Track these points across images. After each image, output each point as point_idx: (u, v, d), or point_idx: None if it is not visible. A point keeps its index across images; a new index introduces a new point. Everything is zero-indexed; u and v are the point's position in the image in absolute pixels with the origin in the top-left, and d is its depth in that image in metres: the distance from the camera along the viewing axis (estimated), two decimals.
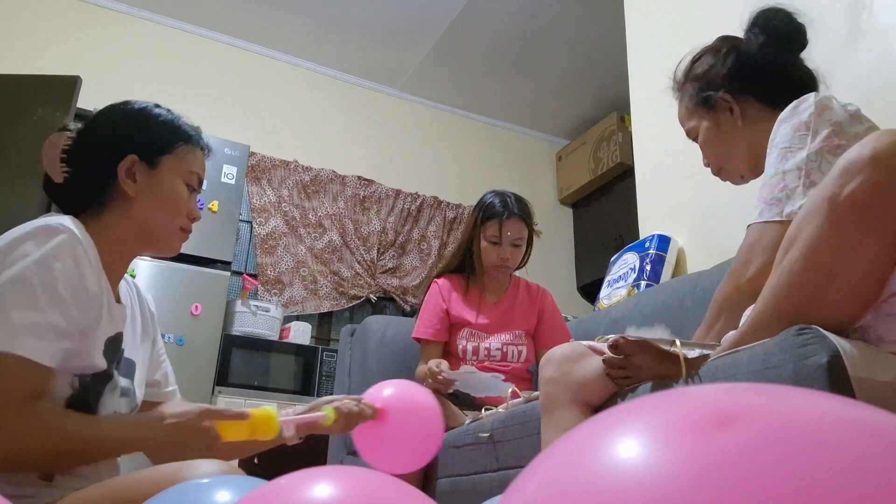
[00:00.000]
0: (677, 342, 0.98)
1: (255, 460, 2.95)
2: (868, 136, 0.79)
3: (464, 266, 2.07)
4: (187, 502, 0.58)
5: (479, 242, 2.00)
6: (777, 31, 1.17)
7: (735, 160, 1.22)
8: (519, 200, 2.03)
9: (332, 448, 2.21)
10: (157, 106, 1.11)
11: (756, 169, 1.22)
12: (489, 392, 1.78)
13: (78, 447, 0.88)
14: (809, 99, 1.02)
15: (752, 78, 1.18)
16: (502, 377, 1.78)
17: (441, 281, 2.08)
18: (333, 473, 0.50)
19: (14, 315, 0.85)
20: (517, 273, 2.18)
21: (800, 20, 1.19)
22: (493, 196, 2.03)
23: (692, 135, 1.27)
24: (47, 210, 2.55)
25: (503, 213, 1.98)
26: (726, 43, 1.23)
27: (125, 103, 1.10)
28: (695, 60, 1.26)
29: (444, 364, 1.80)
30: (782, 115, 1.04)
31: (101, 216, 1.03)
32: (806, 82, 1.18)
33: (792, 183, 0.98)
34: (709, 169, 1.28)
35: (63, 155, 1.03)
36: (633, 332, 1.15)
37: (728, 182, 1.27)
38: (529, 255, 2.09)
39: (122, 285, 1.11)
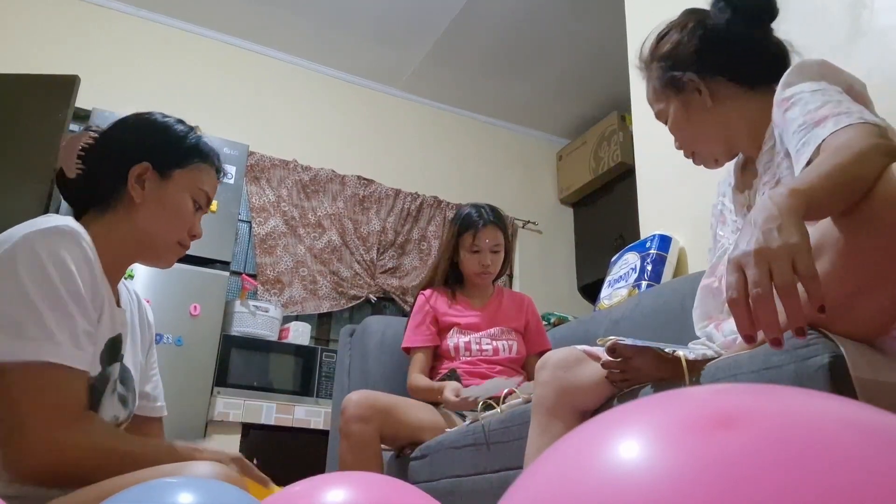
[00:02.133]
0: (679, 352, 0.98)
1: (255, 461, 2.95)
2: (890, 172, 0.76)
3: (446, 279, 2.15)
4: (147, 501, 0.57)
5: (460, 253, 2.10)
6: (743, 4, 1.11)
7: (708, 143, 1.16)
8: (493, 209, 2.13)
9: (331, 448, 2.21)
10: (180, 122, 1.14)
11: (730, 151, 1.17)
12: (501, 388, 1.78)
13: (119, 462, 0.88)
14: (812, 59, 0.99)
15: (721, 57, 1.11)
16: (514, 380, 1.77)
17: (427, 292, 2.14)
18: (347, 479, 0.50)
19: (52, 324, 0.86)
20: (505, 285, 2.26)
21: None
22: (469, 208, 2.13)
23: (661, 117, 1.21)
24: (46, 210, 2.55)
25: (479, 222, 2.07)
26: (692, 17, 1.16)
27: (149, 113, 1.14)
28: (660, 38, 1.19)
29: (457, 387, 1.80)
30: (787, 78, 0.99)
31: (103, 217, 1.04)
32: (777, 56, 1.12)
33: (849, 103, 0.90)
34: (709, 168, 1.23)
35: (81, 153, 1.05)
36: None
37: (702, 167, 1.21)
38: (510, 263, 2.20)
39: (123, 291, 1.12)
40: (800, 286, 0.69)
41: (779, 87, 1.00)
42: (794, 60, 1.12)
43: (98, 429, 0.90)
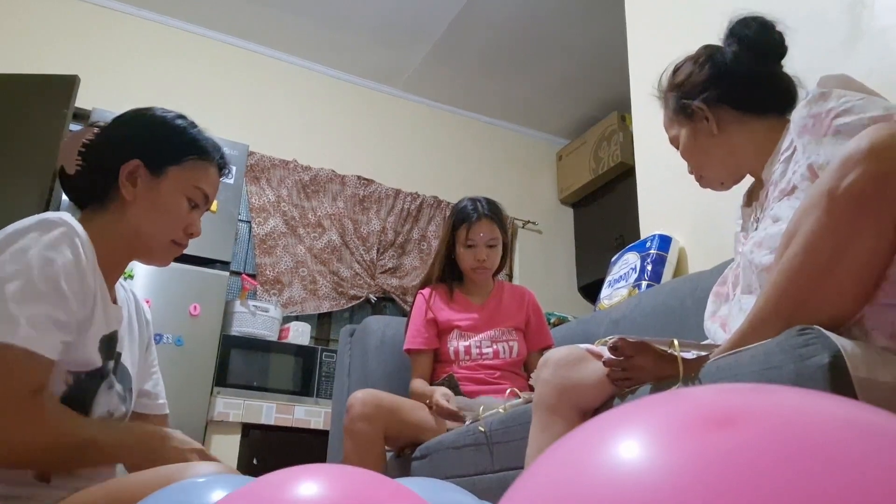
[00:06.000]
0: (675, 343, 0.98)
1: (255, 461, 2.95)
2: (865, 130, 0.80)
3: (445, 275, 2.11)
4: (184, 500, 0.58)
5: (457, 248, 2.06)
6: (750, 41, 1.18)
7: (714, 167, 1.24)
8: (490, 203, 2.08)
9: (331, 448, 2.21)
10: (180, 117, 1.10)
11: (735, 175, 1.24)
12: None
13: (76, 447, 0.87)
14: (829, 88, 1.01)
15: (727, 86, 1.19)
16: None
17: (425, 291, 2.10)
18: (323, 471, 0.50)
19: (12, 305, 0.84)
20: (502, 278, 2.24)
21: (777, 29, 1.19)
22: (466, 201, 2.08)
23: (674, 143, 1.29)
24: (46, 208, 2.55)
25: (473, 215, 2.02)
26: (705, 52, 1.25)
27: (148, 109, 1.10)
28: (676, 69, 1.28)
29: (447, 393, 1.79)
30: (817, 92, 1.01)
31: (98, 215, 1.03)
32: (784, 90, 1.19)
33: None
34: (716, 191, 1.31)
35: (82, 149, 1.04)
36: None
37: (709, 189, 1.28)
38: (508, 257, 2.14)
39: (119, 289, 1.11)
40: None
41: (810, 97, 1.02)
42: (802, 95, 1.17)
43: (49, 411, 0.87)
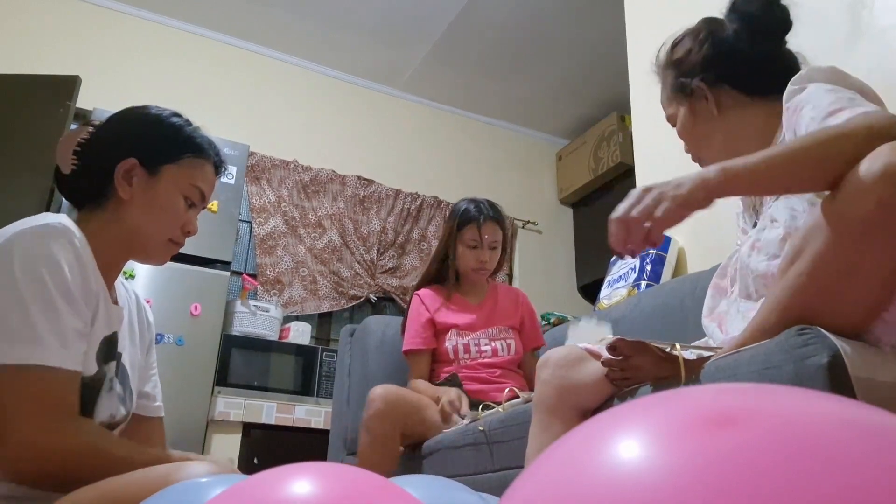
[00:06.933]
0: (677, 346, 0.98)
1: (255, 460, 2.95)
2: (877, 151, 0.76)
3: (443, 276, 2.12)
4: (187, 501, 0.58)
5: (458, 248, 2.07)
6: (751, 18, 1.12)
7: (712, 149, 1.17)
8: (492, 205, 2.10)
9: (331, 448, 2.21)
10: (176, 115, 1.09)
11: (733, 158, 1.20)
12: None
13: (112, 469, 0.86)
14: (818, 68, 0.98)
15: (727, 66, 1.13)
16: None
17: (422, 292, 2.11)
18: (314, 469, 0.50)
19: (38, 324, 0.84)
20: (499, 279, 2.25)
21: (781, 3, 1.13)
22: (468, 203, 2.10)
23: (672, 121, 1.22)
24: (47, 208, 2.55)
25: (479, 217, 2.04)
26: (706, 27, 1.18)
27: (144, 107, 1.09)
28: (675, 45, 1.21)
29: (456, 397, 1.77)
30: (797, 81, 0.98)
31: (96, 214, 1.03)
32: (788, 68, 1.12)
33: (862, 100, 0.91)
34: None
35: (77, 148, 1.03)
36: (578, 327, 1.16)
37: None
38: (505, 259, 2.16)
39: (120, 289, 1.11)
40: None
41: (788, 90, 1.00)
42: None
43: (87, 432, 0.88)
